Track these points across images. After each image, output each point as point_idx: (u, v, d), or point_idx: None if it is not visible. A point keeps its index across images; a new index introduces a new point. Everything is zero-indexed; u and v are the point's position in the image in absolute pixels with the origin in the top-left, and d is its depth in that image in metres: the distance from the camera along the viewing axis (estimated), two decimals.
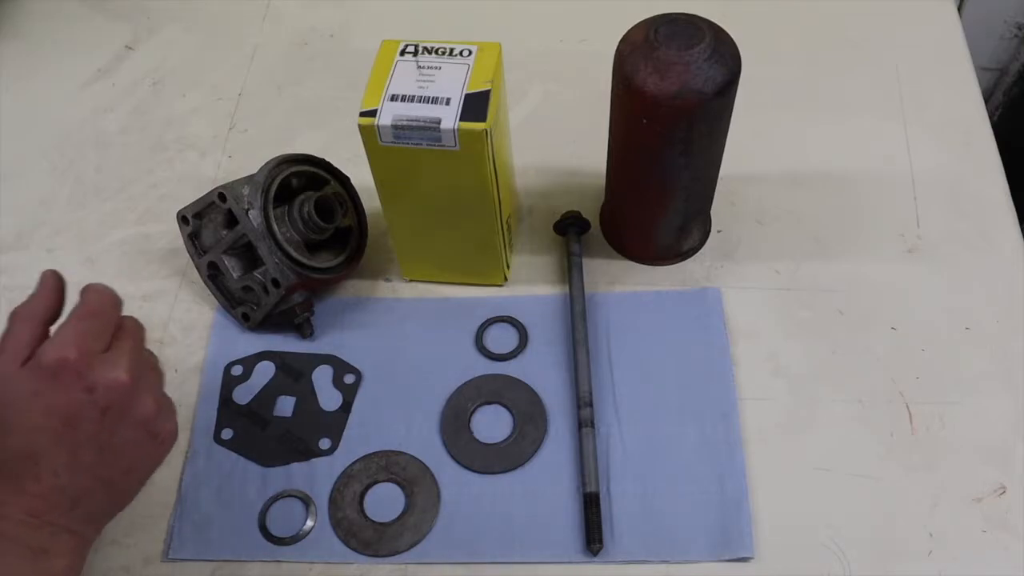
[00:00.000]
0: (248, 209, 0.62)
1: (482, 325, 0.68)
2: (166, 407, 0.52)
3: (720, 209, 0.72)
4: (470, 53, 0.59)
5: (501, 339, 0.68)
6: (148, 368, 0.51)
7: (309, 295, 0.67)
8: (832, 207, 0.73)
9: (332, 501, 0.61)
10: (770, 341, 0.67)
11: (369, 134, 0.58)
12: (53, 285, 0.52)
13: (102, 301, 0.51)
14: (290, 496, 0.62)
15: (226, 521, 0.61)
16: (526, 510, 0.60)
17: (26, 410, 0.47)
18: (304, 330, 0.67)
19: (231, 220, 0.65)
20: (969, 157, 0.76)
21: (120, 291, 0.70)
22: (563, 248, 0.71)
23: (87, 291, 0.52)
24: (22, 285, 0.72)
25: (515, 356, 0.67)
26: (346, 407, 0.65)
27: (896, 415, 0.63)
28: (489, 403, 0.64)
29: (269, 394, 0.66)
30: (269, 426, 0.65)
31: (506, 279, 0.70)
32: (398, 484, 0.62)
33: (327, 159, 0.67)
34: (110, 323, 0.50)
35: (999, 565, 0.57)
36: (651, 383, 0.65)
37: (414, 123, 0.57)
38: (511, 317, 0.68)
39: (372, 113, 0.57)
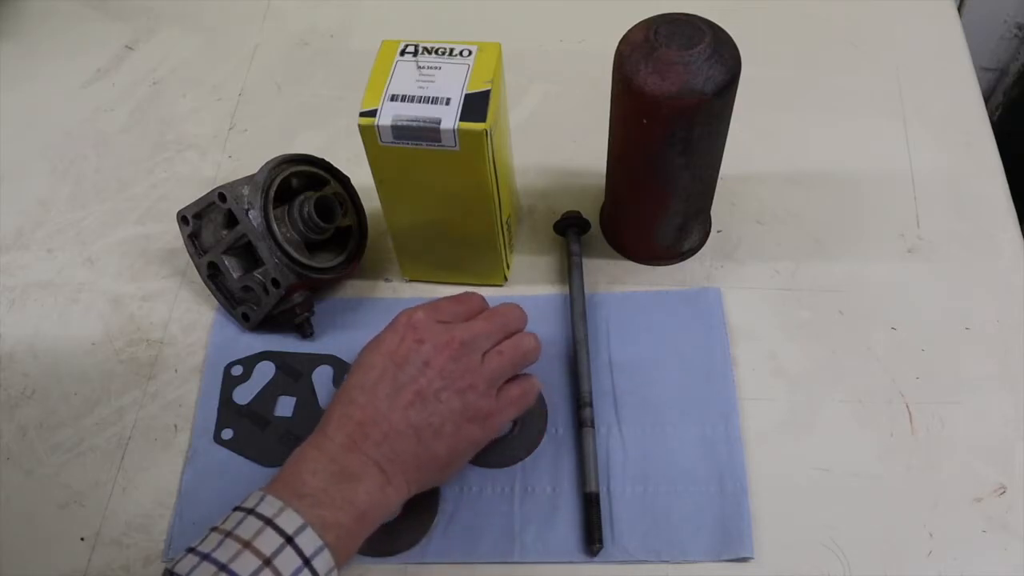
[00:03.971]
0: (248, 209, 0.62)
1: None
2: (505, 400, 0.57)
3: (720, 209, 0.72)
4: (470, 53, 0.59)
5: None
6: (504, 363, 0.57)
7: (309, 295, 0.67)
8: (832, 207, 0.73)
9: None
10: (770, 341, 0.67)
11: (369, 134, 0.58)
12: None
13: (467, 295, 0.60)
14: None
15: None
16: (526, 510, 0.60)
17: (372, 352, 0.56)
18: (304, 330, 0.67)
19: (231, 220, 0.65)
20: (969, 157, 0.76)
21: (120, 291, 0.72)
22: (563, 248, 0.71)
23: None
24: (22, 285, 0.72)
25: None
26: None
27: (896, 415, 0.63)
28: None
29: (269, 394, 0.66)
30: (269, 426, 0.65)
31: (506, 279, 0.70)
32: None
33: (327, 159, 0.67)
34: (468, 309, 0.59)
35: (999, 565, 0.57)
36: (651, 383, 0.65)
37: (414, 123, 0.57)
38: None
39: (372, 113, 0.57)
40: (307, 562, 0.48)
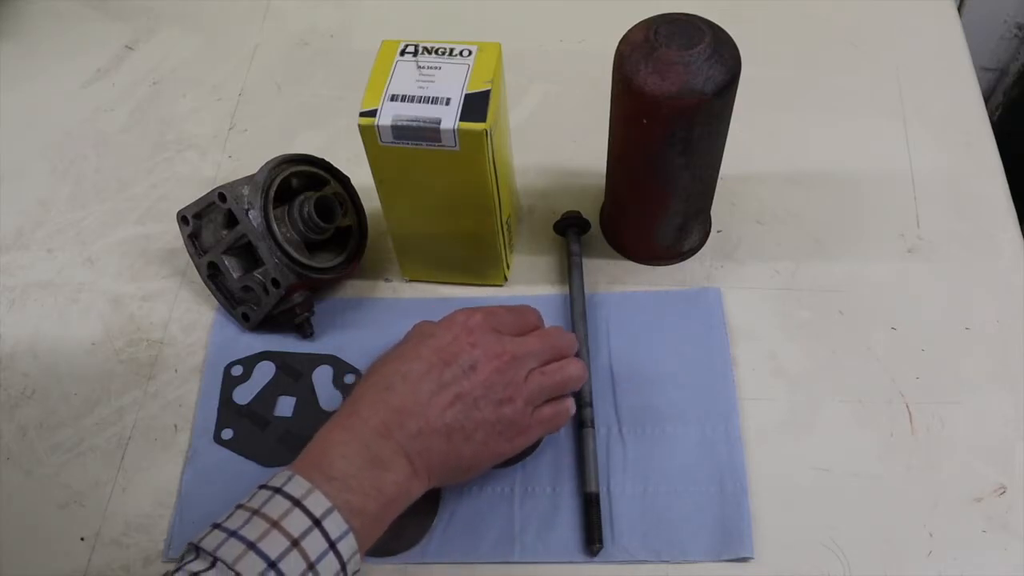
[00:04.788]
0: (248, 209, 0.62)
1: None
2: (536, 418, 0.57)
3: (720, 209, 0.72)
4: (470, 53, 0.59)
5: None
6: (545, 384, 0.56)
7: (309, 295, 0.67)
8: (832, 207, 0.73)
9: None
10: (770, 341, 0.67)
11: (369, 134, 0.58)
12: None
13: (525, 307, 0.60)
14: None
15: None
16: (526, 510, 0.60)
17: (419, 343, 0.56)
18: (304, 330, 0.67)
19: (231, 220, 0.65)
20: (969, 157, 0.76)
21: (120, 291, 0.72)
22: (563, 248, 0.71)
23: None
24: (22, 285, 0.72)
25: None
26: None
27: (896, 415, 0.63)
28: None
29: (269, 394, 0.66)
30: (269, 426, 0.65)
31: (506, 279, 0.70)
32: None
33: (327, 159, 0.67)
34: (524, 322, 0.58)
35: (999, 565, 0.57)
36: (651, 383, 0.65)
37: (414, 123, 0.57)
38: None
39: (372, 113, 0.57)
40: (332, 545, 0.48)
